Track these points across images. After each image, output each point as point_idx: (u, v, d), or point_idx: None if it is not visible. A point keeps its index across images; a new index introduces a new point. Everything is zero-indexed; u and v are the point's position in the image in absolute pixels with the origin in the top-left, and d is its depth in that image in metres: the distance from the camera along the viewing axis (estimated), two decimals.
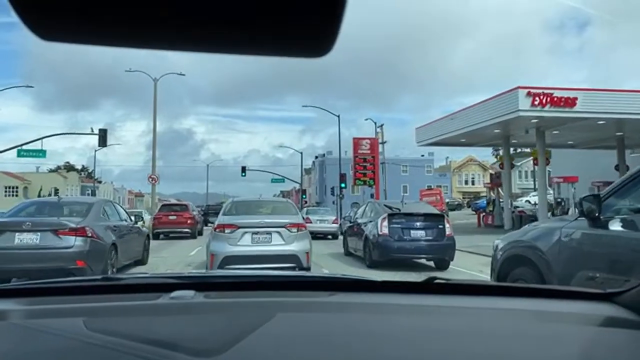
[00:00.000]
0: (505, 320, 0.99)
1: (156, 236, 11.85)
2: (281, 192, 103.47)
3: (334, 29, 0.40)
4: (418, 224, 8.10)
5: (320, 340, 0.92)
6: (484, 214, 20.86)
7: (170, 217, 15.00)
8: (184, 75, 26.39)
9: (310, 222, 14.23)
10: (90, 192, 43.11)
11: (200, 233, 13.52)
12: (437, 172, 53.11)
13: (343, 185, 28.70)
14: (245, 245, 6.43)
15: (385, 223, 8.04)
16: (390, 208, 8.41)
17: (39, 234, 5.02)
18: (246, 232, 6.51)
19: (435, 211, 8.93)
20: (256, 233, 6.58)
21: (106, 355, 0.85)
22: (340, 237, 13.08)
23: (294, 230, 6.66)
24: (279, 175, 43.67)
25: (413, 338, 0.92)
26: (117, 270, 5.92)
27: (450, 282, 1.25)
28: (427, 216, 8.18)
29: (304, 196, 44.02)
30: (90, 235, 5.30)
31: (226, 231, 6.55)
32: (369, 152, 28.54)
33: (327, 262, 8.90)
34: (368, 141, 29.65)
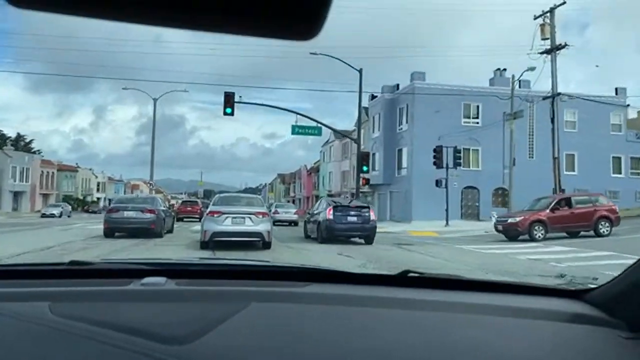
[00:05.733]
0: (476, 315, 1.19)
1: (179, 219, 29.70)
2: (278, 175, 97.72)
3: (321, 12, 0.50)
4: (352, 212, 15.62)
5: (294, 331, 1.07)
6: None
7: (187, 209, 34.34)
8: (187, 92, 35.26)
9: (278, 214, 27.65)
10: None
11: None
12: (632, 128, 26.40)
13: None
14: (227, 225, 12.79)
15: (331, 212, 15.38)
16: (334, 202, 16.62)
17: (135, 212, 16.15)
18: (228, 217, 12.86)
19: (364, 204, 17.26)
20: (235, 217, 12.89)
21: (72, 340, 0.95)
22: (300, 224, 24.26)
23: (260, 216, 13.04)
24: (311, 119, 29.28)
25: (386, 331, 1.08)
26: (165, 232, 17.54)
27: (423, 275, 1.50)
28: (358, 207, 15.95)
29: (365, 168, 28.88)
30: (156, 213, 16.50)
31: (215, 216, 12.98)
32: None
33: (292, 242, 16.27)
34: None
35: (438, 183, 28.15)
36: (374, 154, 42.83)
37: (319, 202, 18.79)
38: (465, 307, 1.23)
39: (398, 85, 38.79)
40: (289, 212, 30.40)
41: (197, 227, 20.87)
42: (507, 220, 18.67)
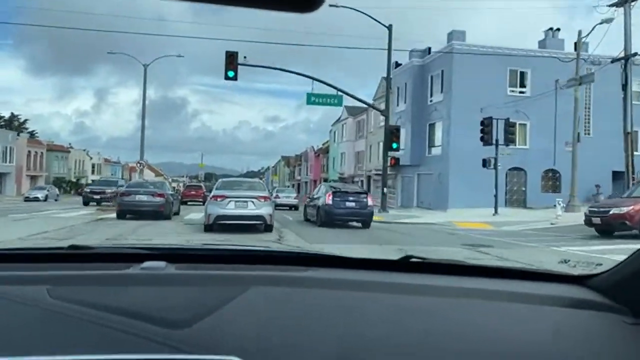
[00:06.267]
0: (478, 300, 1.20)
1: (183, 203, 28.16)
2: (282, 157, 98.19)
3: None
4: (350, 197, 16.40)
5: (294, 315, 1.08)
6: None
7: (192, 192, 36.23)
8: (182, 56, 31.60)
9: (279, 198, 29.33)
10: None
11: None
12: None
13: None
14: (230, 208, 13.18)
15: (330, 197, 16.13)
16: (333, 187, 17.26)
17: (146, 195, 17.36)
18: (231, 200, 13.25)
19: (361, 189, 19.87)
20: (238, 201, 13.29)
21: (71, 323, 0.96)
22: (300, 208, 25.24)
23: (262, 200, 13.55)
24: (330, 86, 24.90)
25: (388, 316, 1.10)
26: (174, 214, 19.27)
27: (425, 260, 1.49)
28: (356, 193, 16.94)
29: (394, 145, 25.79)
30: (165, 197, 17.78)
31: (218, 200, 13.39)
32: None
33: (292, 224, 17.12)
34: None
35: (486, 163, 23.11)
36: (406, 131, 35.78)
37: (318, 187, 20.10)
38: (468, 293, 1.23)
39: (429, 49, 33.24)
40: (290, 197, 33.05)
41: (191, 216, 19.66)
42: (609, 212, 13.88)
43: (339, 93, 25.21)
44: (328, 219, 16.16)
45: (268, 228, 13.68)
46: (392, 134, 24.78)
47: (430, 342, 1.00)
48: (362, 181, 49.44)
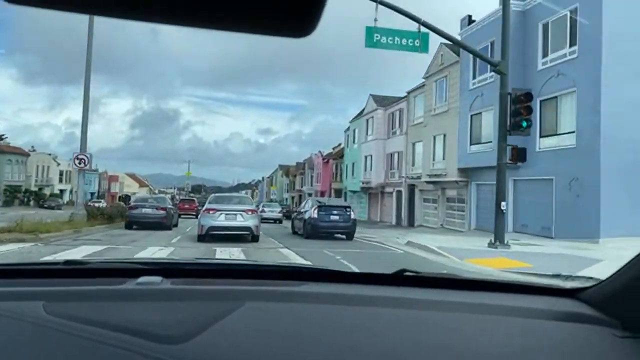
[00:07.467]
0: (471, 314, 1.21)
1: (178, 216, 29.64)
2: (280, 166, 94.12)
3: (318, 8, 0.51)
4: (335, 211, 18.10)
5: (289, 330, 1.09)
6: None
7: (185, 206, 40.08)
8: None
9: (265, 212, 31.99)
10: None
11: None
12: None
13: None
14: (221, 220, 15.34)
15: (316, 211, 17.85)
16: (319, 202, 19.04)
17: (151, 208, 20.37)
18: (222, 213, 15.41)
19: (345, 204, 20.28)
20: (228, 214, 15.40)
21: (66, 340, 0.97)
22: (285, 223, 31.60)
23: (250, 213, 15.79)
24: (408, 16, 14.18)
25: (382, 330, 1.11)
26: (173, 225, 22.44)
27: (419, 275, 1.51)
28: (339, 207, 18.65)
29: (524, 124, 15.29)
30: (167, 210, 20.98)
31: (211, 212, 15.56)
32: None
33: (281, 237, 18.32)
34: None
35: None
36: (474, 116, 24.64)
37: (305, 201, 22.07)
38: (461, 306, 1.24)
39: None
40: (274, 211, 34.33)
41: (143, 253, 15.62)
42: None
43: (423, 30, 13.40)
44: (313, 231, 17.61)
45: (255, 238, 15.46)
46: (517, 104, 13.48)
47: (424, 355, 1.01)
48: (398, 192, 37.30)
